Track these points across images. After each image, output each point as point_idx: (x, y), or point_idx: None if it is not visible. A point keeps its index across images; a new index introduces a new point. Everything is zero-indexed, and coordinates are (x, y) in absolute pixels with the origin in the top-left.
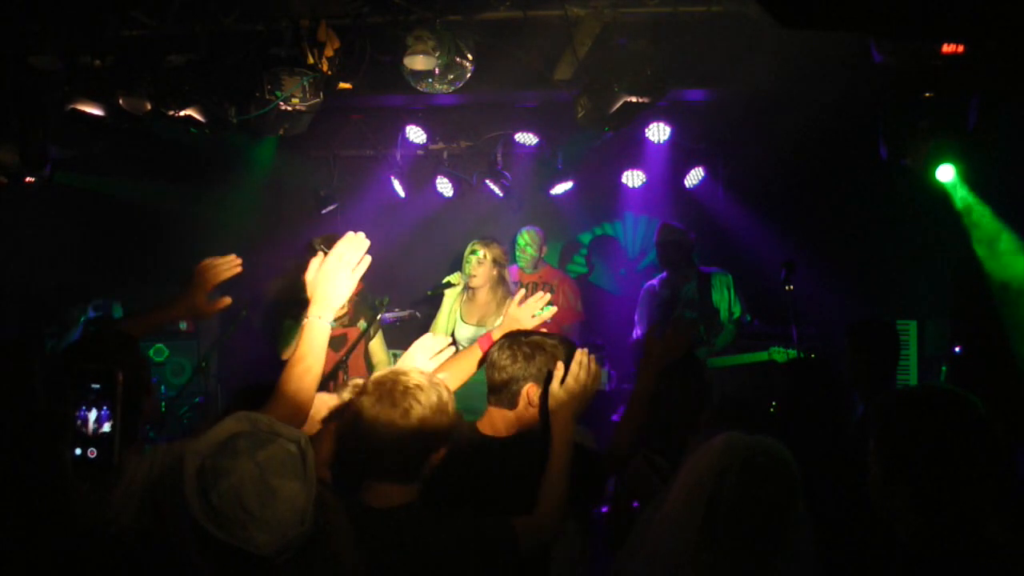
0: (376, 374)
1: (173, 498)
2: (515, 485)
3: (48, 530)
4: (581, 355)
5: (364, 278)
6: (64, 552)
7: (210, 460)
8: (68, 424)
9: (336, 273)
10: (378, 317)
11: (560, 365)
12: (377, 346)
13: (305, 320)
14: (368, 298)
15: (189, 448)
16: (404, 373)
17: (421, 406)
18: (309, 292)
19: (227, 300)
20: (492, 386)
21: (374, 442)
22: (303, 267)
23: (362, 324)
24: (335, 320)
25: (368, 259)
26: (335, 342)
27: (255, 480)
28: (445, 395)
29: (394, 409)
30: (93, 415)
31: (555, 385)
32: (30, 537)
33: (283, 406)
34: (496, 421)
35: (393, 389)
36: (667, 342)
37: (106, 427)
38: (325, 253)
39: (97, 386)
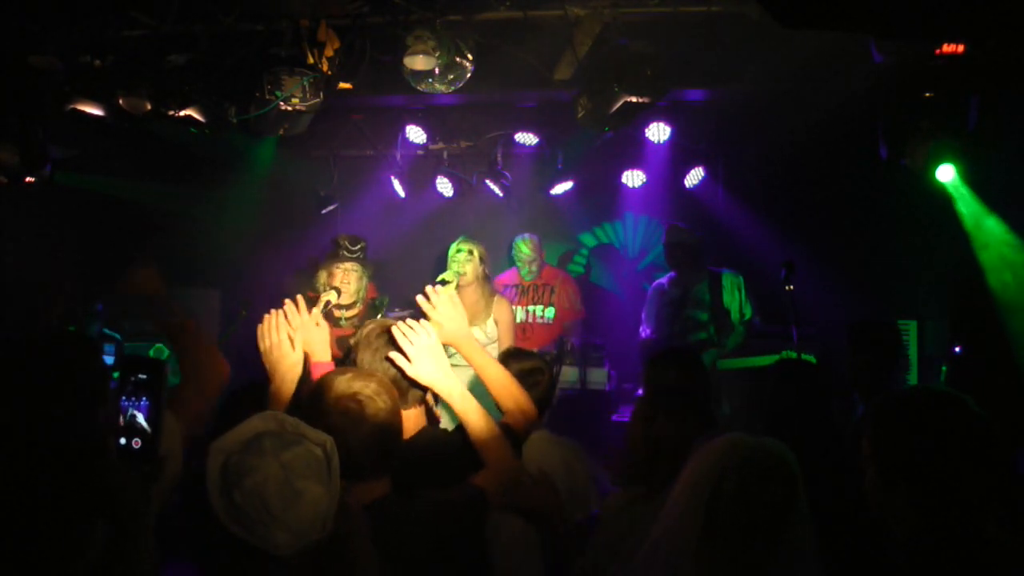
0: (327, 382)
1: (189, 500)
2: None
3: (97, 521)
4: (396, 330)
5: (377, 284)
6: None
7: (235, 457)
8: (114, 414)
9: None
10: (377, 317)
11: (394, 355)
12: None
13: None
14: (371, 299)
15: (214, 445)
16: (354, 378)
17: (380, 407)
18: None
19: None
20: None
21: (346, 449)
22: (324, 259)
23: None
24: (346, 320)
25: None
26: (342, 342)
27: (279, 480)
28: (393, 394)
29: (358, 417)
30: (137, 406)
31: (408, 370)
32: (79, 527)
33: None
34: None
35: (351, 398)
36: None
37: (150, 418)
38: (348, 251)
39: (144, 376)
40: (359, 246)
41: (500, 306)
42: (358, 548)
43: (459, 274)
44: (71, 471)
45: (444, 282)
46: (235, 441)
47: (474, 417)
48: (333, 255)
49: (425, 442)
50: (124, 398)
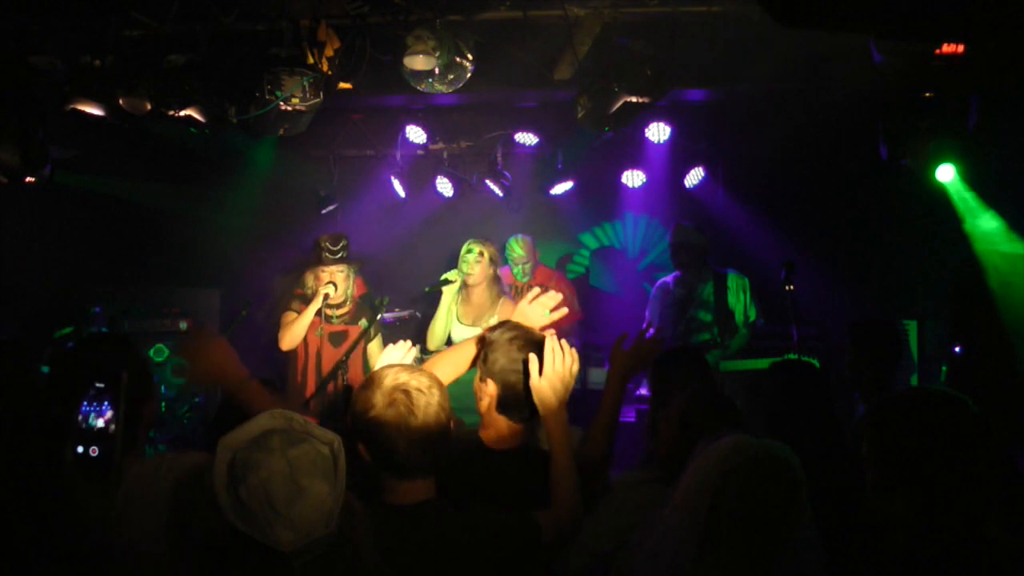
0: (377, 375)
1: (191, 503)
2: (526, 499)
3: (52, 529)
4: (551, 342)
5: (367, 278)
6: (68, 553)
7: (242, 454)
8: (70, 422)
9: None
10: (378, 317)
11: (533, 358)
12: (375, 347)
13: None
14: (369, 298)
15: (222, 441)
16: (405, 372)
17: (430, 404)
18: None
19: None
20: (511, 399)
21: (392, 443)
22: (307, 263)
23: (363, 323)
24: (337, 318)
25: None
26: (335, 338)
27: (284, 477)
28: (444, 391)
29: (406, 409)
30: (96, 413)
31: (534, 379)
32: (34, 536)
33: None
34: (504, 431)
35: (399, 389)
36: (634, 354)
37: (108, 426)
38: (330, 253)
39: (101, 385)
40: (341, 245)
41: (505, 308)
42: (362, 549)
43: (464, 274)
44: (29, 484)
45: (447, 281)
46: (243, 438)
47: (565, 453)
48: (317, 259)
49: (482, 467)
50: (84, 404)
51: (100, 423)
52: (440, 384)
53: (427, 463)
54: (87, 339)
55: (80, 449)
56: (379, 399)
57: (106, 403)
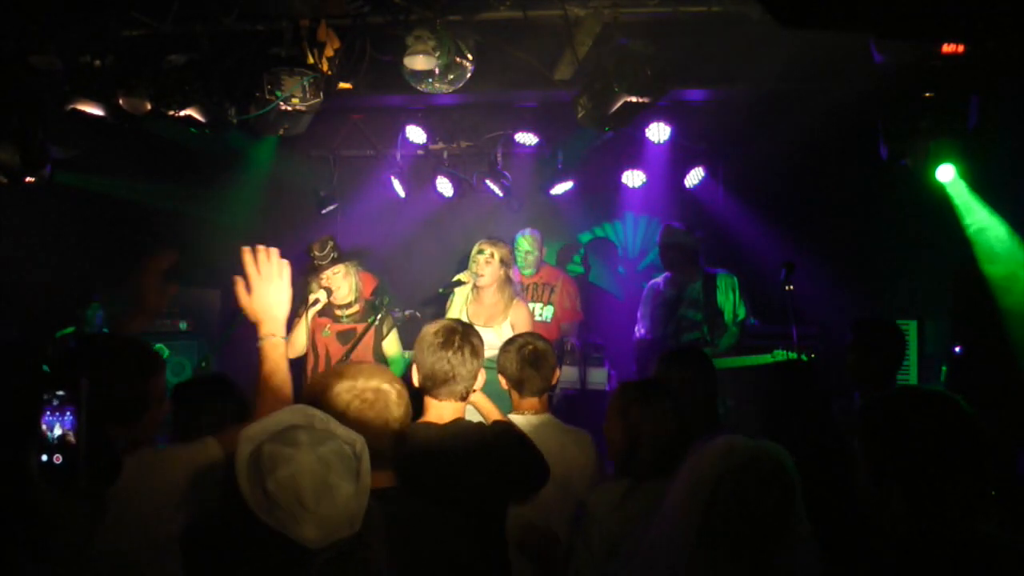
0: (350, 377)
1: (208, 496)
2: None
3: (17, 539)
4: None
5: (382, 274)
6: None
7: (268, 446)
8: (34, 430)
9: (268, 291)
10: (378, 316)
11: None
12: (391, 343)
13: (260, 343)
14: (383, 290)
15: (243, 433)
16: (374, 376)
17: (394, 409)
18: (251, 317)
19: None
20: (442, 381)
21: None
22: (307, 271)
23: (371, 320)
24: (347, 317)
25: (286, 264)
26: (344, 337)
27: (314, 474)
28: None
29: (373, 411)
30: (59, 421)
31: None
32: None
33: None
34: (440, 413)
35: (369, 391)
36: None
37: (72, 434)
38: (320, 259)
39: (62, 392)
40: (328, 249)
41: (518, 310)
42: (376, 551)
43: (475, 275)
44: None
45: (460, 282)
46: (264, 431)
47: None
48: (311, 268)
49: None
50: (47, 413)
51: (64, 432)
52: (401, 382)
53: (388, 459)
54: (85, 342)
55: (44, 458)
56: (360, 404)
57: (69, 411)
